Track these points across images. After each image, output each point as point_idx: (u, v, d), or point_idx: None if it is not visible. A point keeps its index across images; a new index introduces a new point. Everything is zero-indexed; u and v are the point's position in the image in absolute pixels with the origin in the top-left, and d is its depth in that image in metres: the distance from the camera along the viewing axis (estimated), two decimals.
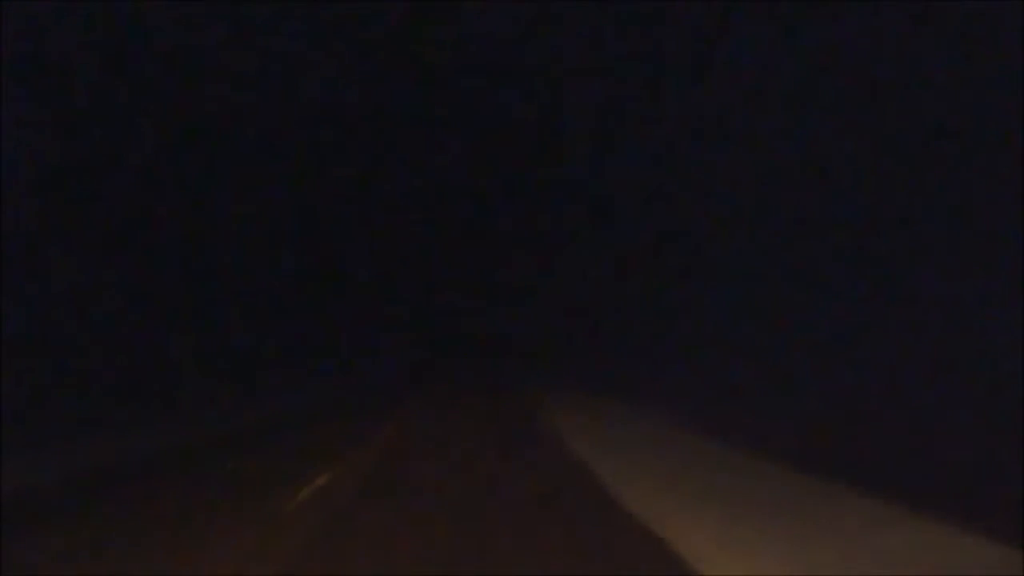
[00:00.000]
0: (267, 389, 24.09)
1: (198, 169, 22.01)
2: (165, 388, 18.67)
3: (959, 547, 5.82)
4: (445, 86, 38.00)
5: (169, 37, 19.38)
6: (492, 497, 7.73)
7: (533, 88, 35.49)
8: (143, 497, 7.94)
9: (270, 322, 29.52)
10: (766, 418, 13.06)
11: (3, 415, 12.17)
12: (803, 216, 15.84)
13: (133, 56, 18.18)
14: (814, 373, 14.42)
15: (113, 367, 17.36)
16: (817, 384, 14.06)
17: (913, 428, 10.12)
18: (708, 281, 21.35)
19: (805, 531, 6.30)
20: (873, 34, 13.41)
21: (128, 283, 18.62)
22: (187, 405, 18.08)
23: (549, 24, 31.05)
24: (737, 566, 5.30)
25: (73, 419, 13.94)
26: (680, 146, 23.94)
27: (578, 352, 34.90)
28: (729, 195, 20.11)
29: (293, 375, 28.91)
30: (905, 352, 11.97)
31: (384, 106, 37.38)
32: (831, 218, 14.78)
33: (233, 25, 22.46)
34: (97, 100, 17.22)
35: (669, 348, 23.87)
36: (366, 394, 22.92)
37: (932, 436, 9.59)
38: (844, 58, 14.28)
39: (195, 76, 20.91)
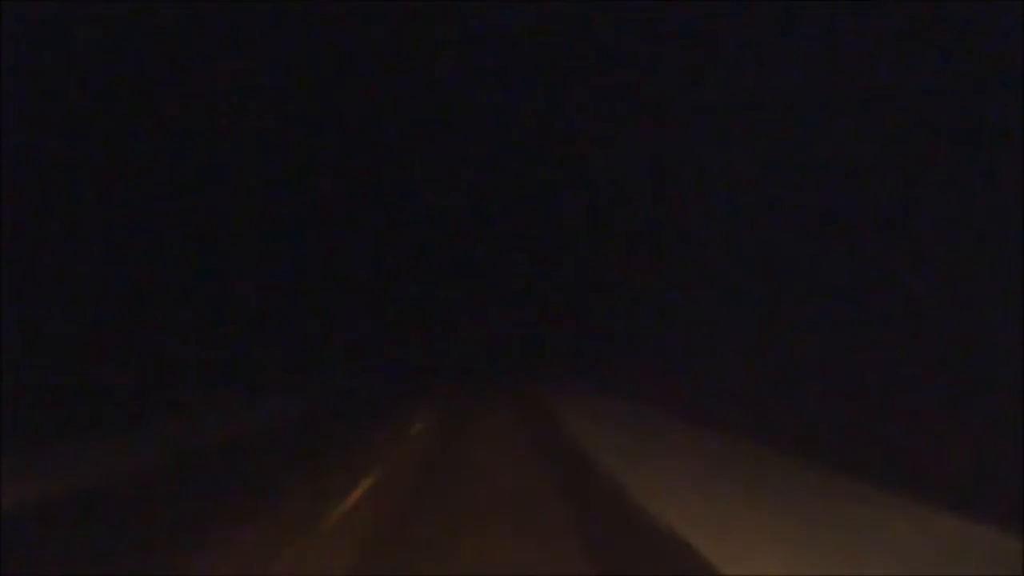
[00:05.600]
0: (269, 393, 23.99)
1: (199, 170, 21.98)
2: (165, 391, 18.57)
3: (960, 543, 5.82)
4: (446, 87, 38.00)
5: (169, 36, 19.36)
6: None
7: (533, 89, 35.48)
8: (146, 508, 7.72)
9: (271, 324, 29.47)
10: (765, 414, 13.05)
11: (2, 417, 12.11)
12: (802, 216, 15.84)
13: (133, 55, 18.16)
14: (813, 372, 14.41)
15: (111, 369, 17.28)
16: (816, 383, 14.05)
17: (913, 426, 10.12)
18: (708, 281, 21.35)
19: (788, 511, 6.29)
20: (873, 34, 13.41)
21: (127, 284, 18.59)
22: (186, 409, 17.97)
23: (550, 25, 31.04)
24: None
25: (72, 423, 13.83)
26: (680, 146, 23.93)
27: (579, 352, 34.87)
28: (729, 194, 20.10)
29: (295, 378, 28.81)
30: (905, 351, 11.96)
31: (387, 107, 37.37)
32: (831, 218, 14.78)
33: (233, 24, 22.46)
34: (98, 100, 17.20)
35: (668, 348, 23.85)
36: (370, 401, 22.58)
37: (932, 434, 9.58)
38: (843, 58, 14.27)
39: (195, 75, 20.89)
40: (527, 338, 44.38)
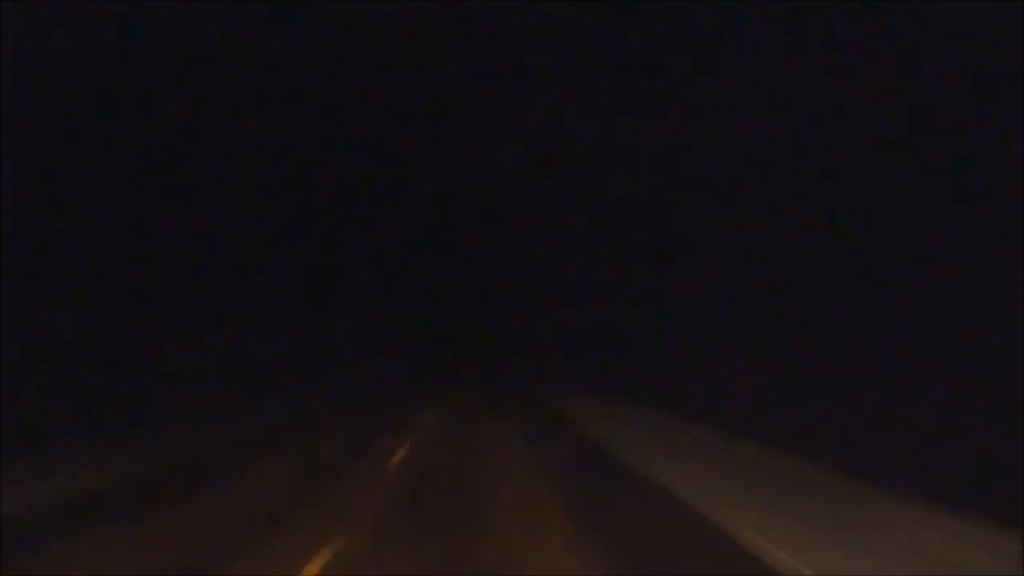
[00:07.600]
0: (272, 397, 23.80)
1: (199, 172, 21.95)
2: (165, 395, 18.43)
3: (960, 543, 5.81)
4: (449, 87, 38.00)
5: (168, 36, 19.36)
6: None
7: (536, 90, 35.46)
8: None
9: (272, 328, 29.40)
10: (766, 414, 13.06)
11: (3, 421, 12.02)
12: (802, 217, 15.83)
13: (133, 56, 18.16)
14: (813, 372, 14.42)
15: (112, 373, 17.18)
16: (815, 383, 14.05)
17: (913, 426, 10.11)
18: (707, 281, 21.35)
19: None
20: (872, 34, 13.41)
21: (128, 287, 18.54)
22: (187, 414, 17.71)
23: (554, 27, 31.03)
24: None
25: (73, 427, 13.69)
26: (681, 146, 23.95)
27: (580, 353, 34.86)
28: (730, 195, 20.11)
29: (297, 382, 28.63)
30: (905, 352, 11.96)
31: (387, 107, 37.37)
32: (831, 218, 14.76)
33: (233, 25, 22.46)
34: (98, 101, 17.19)
35: (669, 349, 23.85)
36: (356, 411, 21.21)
37: (932, 434, 9.58)
38: (841, 57, 14.27)
39: (195, 77, 20.89)
40: (527, 340, 44.35)
